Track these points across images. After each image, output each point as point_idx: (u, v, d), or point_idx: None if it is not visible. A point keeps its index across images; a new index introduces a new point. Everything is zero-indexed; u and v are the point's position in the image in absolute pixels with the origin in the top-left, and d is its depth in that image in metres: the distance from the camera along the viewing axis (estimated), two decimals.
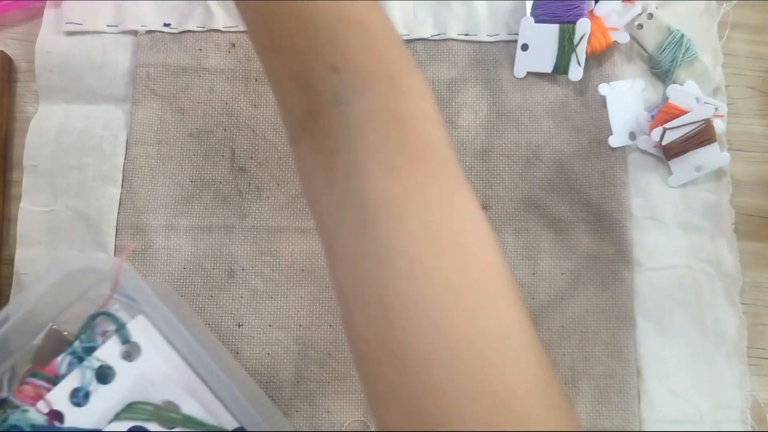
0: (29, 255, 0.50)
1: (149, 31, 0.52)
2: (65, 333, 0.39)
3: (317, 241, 0.50)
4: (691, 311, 0.49)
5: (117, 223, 0.50)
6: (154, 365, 0.37)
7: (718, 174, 0.51)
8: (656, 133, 0.50)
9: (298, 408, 0.48)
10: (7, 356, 0.38)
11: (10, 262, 0.50)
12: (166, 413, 0.36)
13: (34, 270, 0.49)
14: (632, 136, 0.52)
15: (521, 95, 0.52)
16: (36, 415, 0.36)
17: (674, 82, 0.51)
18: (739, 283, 0.50)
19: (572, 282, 0.50)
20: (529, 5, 0.52)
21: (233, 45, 0.52)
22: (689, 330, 0.49)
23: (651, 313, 0.49)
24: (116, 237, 0.49)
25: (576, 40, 0.51)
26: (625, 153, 0.52)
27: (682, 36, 0.51)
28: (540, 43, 0.51)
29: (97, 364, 0.37)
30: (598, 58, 0.52)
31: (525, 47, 0.51)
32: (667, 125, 0.50)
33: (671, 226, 0.51)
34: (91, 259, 0.37)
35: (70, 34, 0.52)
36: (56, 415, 0.36)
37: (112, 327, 0.38)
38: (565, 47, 0.51)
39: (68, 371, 0.38)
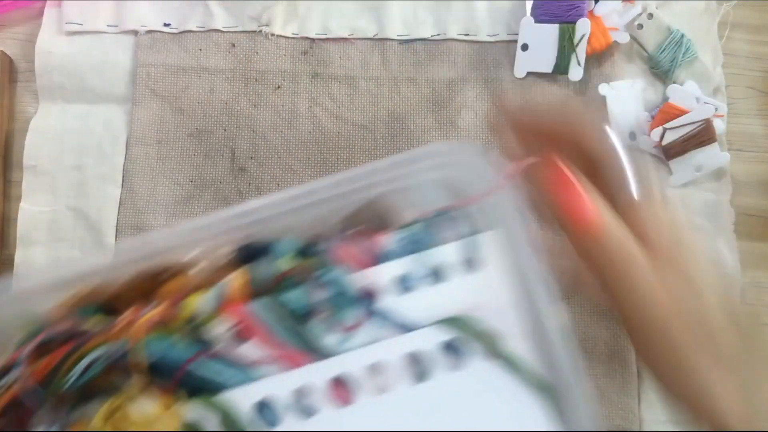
0: (29, 255, 0.49)
1: (149, 31, 0.52)
2: (405, 217, 0.35)
3: None
4: None
5: (117, 223, 0.50)
6: (491, 287, 0.34)
7: (718, 174, 0.51)
8: (656, 133, 0.50)
9: None
10: (337, 211, 0.35)
11: (10, 262, 0.50)
12: (491, 341, 0.32)
13: (34, 270, 0.49)
14: (632, 136, 0.52)
15: (521, 95, 0.52)
16: (352, 281, 0.33)
17: (674, 82, 0.51)
18: (739, 283, 0.50)
19: (572, 282, 0.49)
20: (529, 5, 0.52)
21: (233, 45, 0.52)
22: None
23: None
24: (116, 237, 0.49)
25: (576, 40, 0.51)
26: None
27: (682, 36, 0.51)
28: (540, 43, 0.51)
29: (432, 261, 0.34)
30: (598, 58, 0.52)
31: (525, 47, 0.51)
32: (667, 125, 0.50)
33: None
34: (476, 153, 0.33)
35: (70, 34, 0.52)
36: (371, 292, 0.33)
37: (459, 229, 0.34)
38: (565, 47, 0.51)
39: (396, 255, 0.34)
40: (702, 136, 0.50)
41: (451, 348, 0.33)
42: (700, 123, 0.50)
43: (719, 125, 0.50)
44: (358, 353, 0.33)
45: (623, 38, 0.52)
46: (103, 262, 0.34)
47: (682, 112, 0.50)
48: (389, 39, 0.53)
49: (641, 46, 0.53)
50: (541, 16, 0.51)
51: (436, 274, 0.34)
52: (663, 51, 0.52)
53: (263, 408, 0.32)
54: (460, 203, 0.34)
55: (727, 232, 0.51)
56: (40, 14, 0.53)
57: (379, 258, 0.34)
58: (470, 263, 0.34)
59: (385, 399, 0.33)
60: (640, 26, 0.52)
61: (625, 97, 0.52)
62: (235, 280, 0.34)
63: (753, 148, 0.53)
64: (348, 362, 0.33)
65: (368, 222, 0.36)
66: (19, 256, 0.50)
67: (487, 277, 0.34)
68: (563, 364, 0.32)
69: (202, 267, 0.35)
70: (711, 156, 0.50)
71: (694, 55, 0.52)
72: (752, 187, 0.52)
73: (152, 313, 0.33)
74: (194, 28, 0.53)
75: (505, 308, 0.33)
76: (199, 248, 0.35)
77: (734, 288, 0.50)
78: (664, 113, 0.50)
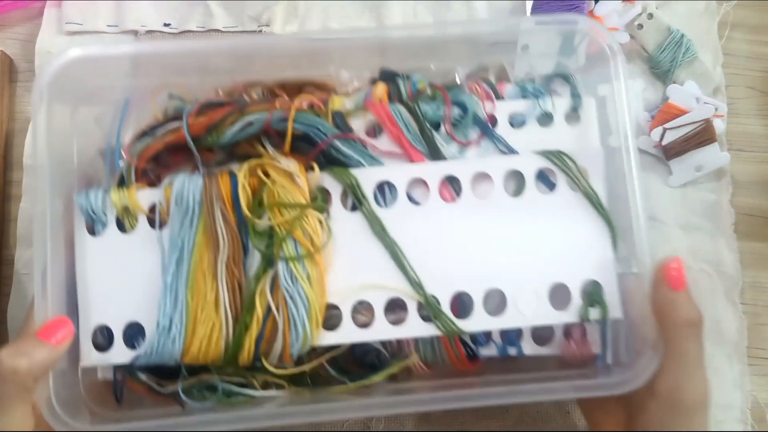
0: (29, 255, 0.49)
1: (149, 31, 0.52)
2: (526, 72, 0.45)
3: None
4: None
5: None
6: (585, 138, 0.42)
7: (718, 174, 0.51)
8: (656, 133, 0.50)
9: None
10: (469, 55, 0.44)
11: (10, 262, 0.50)
12: (578, 176, 0.40)
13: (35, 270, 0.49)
14: None
15: None
16: (477, 107, 0.41)
17: (674, 82, 0.51)
18: (739, 283, 0.50)
19: None
20: (529, 5, 0.52)
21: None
22: None
23: None
24: None
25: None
26: None
27: (682, 36, 0.51)
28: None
29: (543, 108, 0.42)
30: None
31: (525, 48, 0.51)
32: (667, 125, 0.50)
33: (671, 226, 0.51)
34: (596, 30, 0.41)
35: (70, 34, 0.52)
36: (490, 119, 0.41)
37: (570, 89, 0.42)
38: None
39: (515, 97, 0.42)
40: (702, 136, 0.50)
41: (545, 174, 0.40)
42: (700, 123, 0.50)
43: (719, 125, 0.50)
44: (469, 162, 0.40)
45: (623, 38, 0.52)
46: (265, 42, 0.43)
47: (682, 112, 0.50)
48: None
49: (641, 46, 0.53)
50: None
51: (544, 119, 0.42)
52: (663, 51, 0.52)
53: (382, 188, 0.40)
54: (574, 69, 0.43)
55: (727, 232, 0.51)
56: (40, 14, 0.53)
57: (501, 96, 0.42)
58: (573, 117, 0.42)
59: (484, 203, 0.40)
60: (640, 26, 0.52)
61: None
62: (378, 88, 0.42)
63: (753, 148, 0.53)
64: (459, 167, 0.40)
65: (494, 74, 0.45)
66: (19, 256, 0.50)
67: (584, 130, 0.42)
68: (628, 208, 0.38)
69: (346, 82, 0.43)
70: (711, 156, 0.50)
71: (694, 55, 0.52)
72: (752, 187, 0.52)
73: (305, 98, 0.41)
74: (194, 28, 0.53)
75: (594, 155, 0.40)
76: (345, 68, 0.43)
77: (734, 288, 0.50)
78: (664, 113, 0.50)
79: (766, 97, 0.53)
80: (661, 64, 0.52)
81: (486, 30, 0.45)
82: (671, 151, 0.50)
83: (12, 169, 0.52)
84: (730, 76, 0.53)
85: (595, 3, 0.51)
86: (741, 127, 0.53)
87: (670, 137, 0.50)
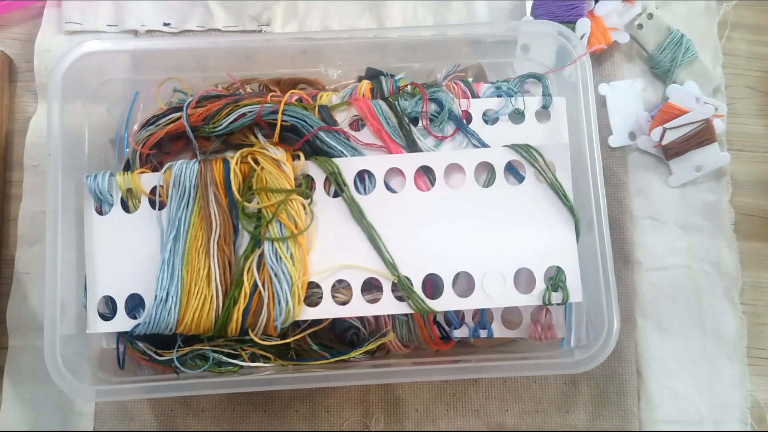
0: (29, 255, 0.50)
1: (149, 31, 0.52)
2: (500, 74, 0.48)
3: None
4: (690, 311, 0.49)
5: None
6: (554, 134, 0.44)
7: (718, 174, 0.51)
8: (656, 133, 0.50)
9: (298, 408, 0.48)
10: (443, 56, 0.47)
11: (11, 262, 0.50)
12: (546, 168, 0.42)
13: (35, 269, 0.49)
14: (632, 136, 0.52)
15: None
16: (454, 104, 0.44)
17: (674, 82, 0.51)
18: (738, 283, 0.50)
19: None
20: (529, 5, 0.52)
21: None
22: (689, 330, 0.49)
23: (651, 313, 0.49)
24: None
25: None
26: (625, 153, 0.52)
27: (682, 36, 0.51)
28: None
29: (514, 106, 0.44)
30: (598, 58, 0.52)
31: (525, 48, 0.51)
32: (667, 125, 0.50)
33: (671, 226, 0.51)
34: (563, 32, 0.44)
35: (69, 33, 0.52)
36: (465, 115, 0.44)
37: (540, 89, 0.45)
38: None
39: (489, 96, 0.45)
40: (702, 136, 0.50)
41: (514, 166, 0.43)
42: (700, 123, 0.50)
43: (719, 125, 0.50)
44: (443, 154, 0.43)
45: (623, 38, 0.52)
46: (262, 44, 0.47)
47: (682, 112, 0.50)
48: None
49: (641, 46, 0.53)
50: (541, 16, 0.51)
51: (516, 116, 0.45)
52: (663, 51, 0.52)
53: (362, 176, 0.43)
54: (544, 71, 0.46)
55: (727, 232, 0.51)
56: (40, 14, 0.53)
57: (477, 95, 0.45)
58: (543, 115, 0.45)
59: (456, 192, 0.42)
60: (640, 26, 0.52)
61: (625, 97, 0.52)
62: (362, 85, 0.45)
63: (753, 148, 0.53)
64: (434, 158, 0.43)
65: (472, 75, 0.48)
66: (19, 256, 0.50)
67: (554, 128, 0.44)
68: (591, 200, 0.42)
69: (335, 80, 0.48)
70: (711, 156, 0.50)
71: (694, 55, 0.51)
72: (752, 187, 0.52)
73: (294, 92, 0.44)
74: (194, 28, 0.53)
75: (561, 150, 0.43)
76: (337, 67, 0.47)
77: (734, 288, 0.50)
78: (664, 113, 0.50)
79: (766, 97, 0.53)
80: (661, 64, 0.52)
81: (485, 32, 0.48)
82: (671, 151, 0.50)
83: (12, 169, 0.52)
84: (730, 76, 0.53)
85: (595, 3, 0.51)
86: (741, 127, 0.53)
87: (670, 137, 0.50)
